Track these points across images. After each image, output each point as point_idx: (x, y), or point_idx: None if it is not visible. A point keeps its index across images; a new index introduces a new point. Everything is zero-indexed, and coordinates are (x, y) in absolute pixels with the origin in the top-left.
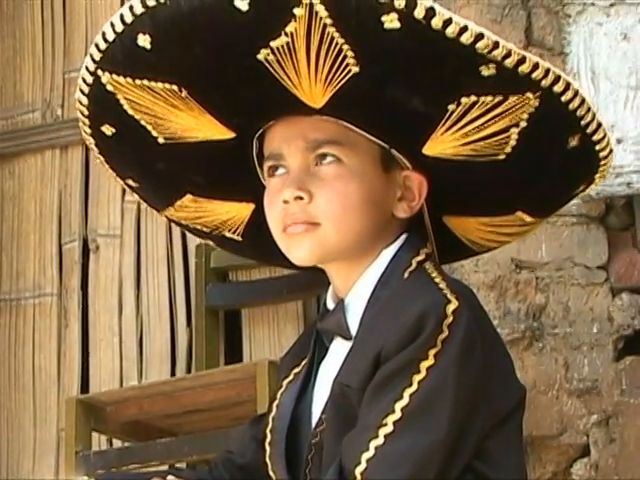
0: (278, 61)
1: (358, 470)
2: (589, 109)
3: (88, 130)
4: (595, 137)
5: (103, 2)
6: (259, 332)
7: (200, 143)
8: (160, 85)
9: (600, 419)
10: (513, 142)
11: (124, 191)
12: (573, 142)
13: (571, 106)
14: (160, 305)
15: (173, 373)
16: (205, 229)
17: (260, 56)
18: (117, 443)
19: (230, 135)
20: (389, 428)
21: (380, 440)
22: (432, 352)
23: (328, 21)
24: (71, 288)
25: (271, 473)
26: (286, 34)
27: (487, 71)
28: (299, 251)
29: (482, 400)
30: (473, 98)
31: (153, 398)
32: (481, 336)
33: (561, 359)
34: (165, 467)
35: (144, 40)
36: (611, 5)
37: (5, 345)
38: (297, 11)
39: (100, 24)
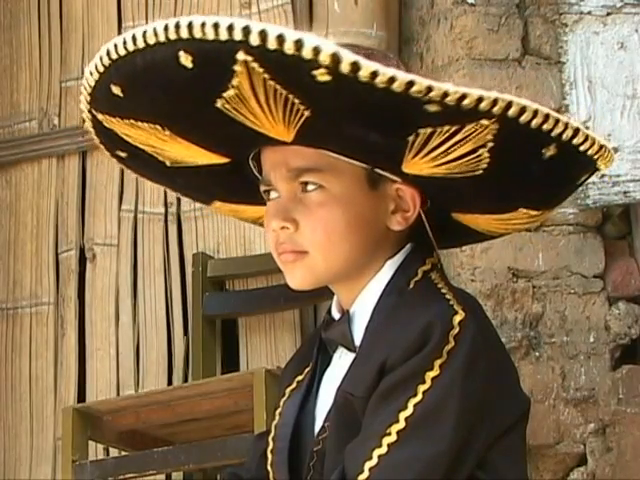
0: (235, 108)
1: (361, 478)
2: (557, 120)
3: (107, 153)
4: (575, 141)
5: (100, 12)
6: (256, 341)
7: (205, 167)
8: (145, 125)
9: (597, 428)
10: (486, 160)
11: (121, 200)
12: (549, 152)
13: (534, 124)
14: (157, 314)
15: (170, 382)
16: (247, 221)
17: (218, 104)
18: (114, 452)
19: (225, 160)
20: (393, 437)
21: (383, 449)
22: (438, 362)
23: (266, 76)
24: (68, 297)
25: None
26: (233, 87)
27: (432, 108)
28: (292, 279)
29: (486, 411)
30: (429, 129)
31: (150, 407)
32: (487, 347)
33: (558, 368)
34: (162, 476)
35: (116, 89)
36: (608, 14)
37: (2, 354)
38: (236, 67)
39: (97, 33)
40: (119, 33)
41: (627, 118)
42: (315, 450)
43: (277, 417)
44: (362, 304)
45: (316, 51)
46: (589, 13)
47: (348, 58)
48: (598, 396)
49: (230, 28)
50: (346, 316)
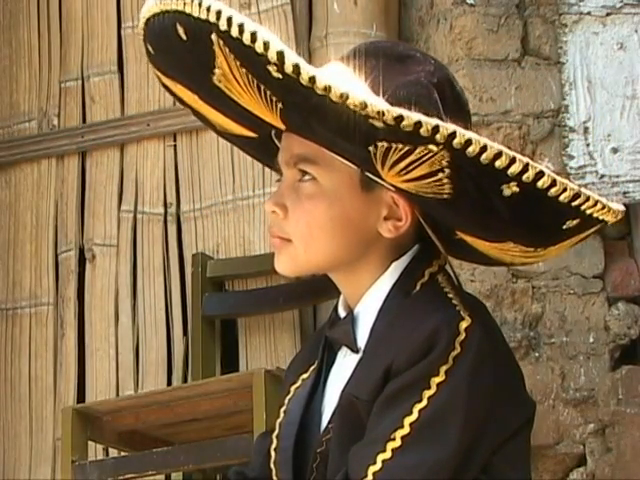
0: (226, 87)
1: None
2: (513, 159)
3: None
4: (540, 184)
5: (99, 12)
6: (255, 341)
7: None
8: (180, 86)
9: (596, 428)
10: (448, 185)
11: (120, 200)
12: (509, 190)
13: (483, 159)
14: (156, 314)
15: (169, 382)
16: None
17: (215, 80)
18: (113, 452)
19: (253, 134)
20: (397, 443)
21: (388, 454)
22: (443, 368)
23: (237, 62)
24: (67, 297)
25: (275, 478)
26: (218, 66)
27: (377, 124)
28: (277, 263)
29: (492, 417)
30: (385, 144)
31: (149, 407)
32: (493, 353)
33: (557, 368)
34: (161, 477)
35: (149, 47)
36: (607, 15)
37: (1, 354)
38: (215, 48)
39: (96, 34)
40: (118, 34)
41: (627, 119)
42: (319, 451)
43: (282, 415)
44: (367, 305)
45: (266, 46)
46: (589, 13)
47: (291, 59)
48: (598, 396)
49: (208, 9)
50: (350, 316)
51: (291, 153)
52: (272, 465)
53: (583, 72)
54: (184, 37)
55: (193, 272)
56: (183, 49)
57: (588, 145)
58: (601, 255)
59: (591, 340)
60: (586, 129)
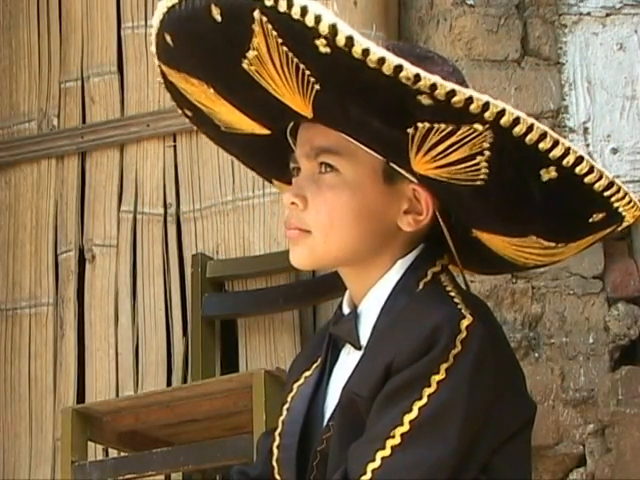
0: (257, 72)
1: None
2: (556, 142)
3: (179, 110)
4: (578, 170)
5: (99, 13)
6: (255, 342)
7: (253, 136)
8: (195, 80)
9: (596, 429)
10: (485, 170)
11: (120, 201)
12: (548, 175)
13: (528, 139)
14: (156, 315)
15: (169, 383)
16: None
17: (244, 65)
18: (113, 453)
19: (265, 131)
20: (397, 440)
21: (387, 452)
22: (444, 366)
23: (279, 40)
24: (67, 298)
25: (277, 476)
26: (254, 48)
27: (425, 100)
28: (293, 255)
29: (492, 417)
30: (427, 124)
31: (149, 408)
32: (494, 353)
33: (557, 369)
34: (161, 477)
35: (168, 37)
36: (607, 15)
37: (1, 355)
38: (255, 27)
39: (96, 35)
40: (118, 34)
41: (626, 119)
42: (319, 449)
43: (284, 413)
44: (370, 303)
45: (317, 19)
46: (588, 14)
47: (344, 31)
48: (597, 397)
49: None
50: (354, 313)
51: (312, 145)
52: (274, 463)
53: (583, 72)
54: (218, 18)
55: (193, 272)
56: (214, 32)
57: (588, 145)
58: (601, 255)
59: (591, 340)
60: (586, 129)
